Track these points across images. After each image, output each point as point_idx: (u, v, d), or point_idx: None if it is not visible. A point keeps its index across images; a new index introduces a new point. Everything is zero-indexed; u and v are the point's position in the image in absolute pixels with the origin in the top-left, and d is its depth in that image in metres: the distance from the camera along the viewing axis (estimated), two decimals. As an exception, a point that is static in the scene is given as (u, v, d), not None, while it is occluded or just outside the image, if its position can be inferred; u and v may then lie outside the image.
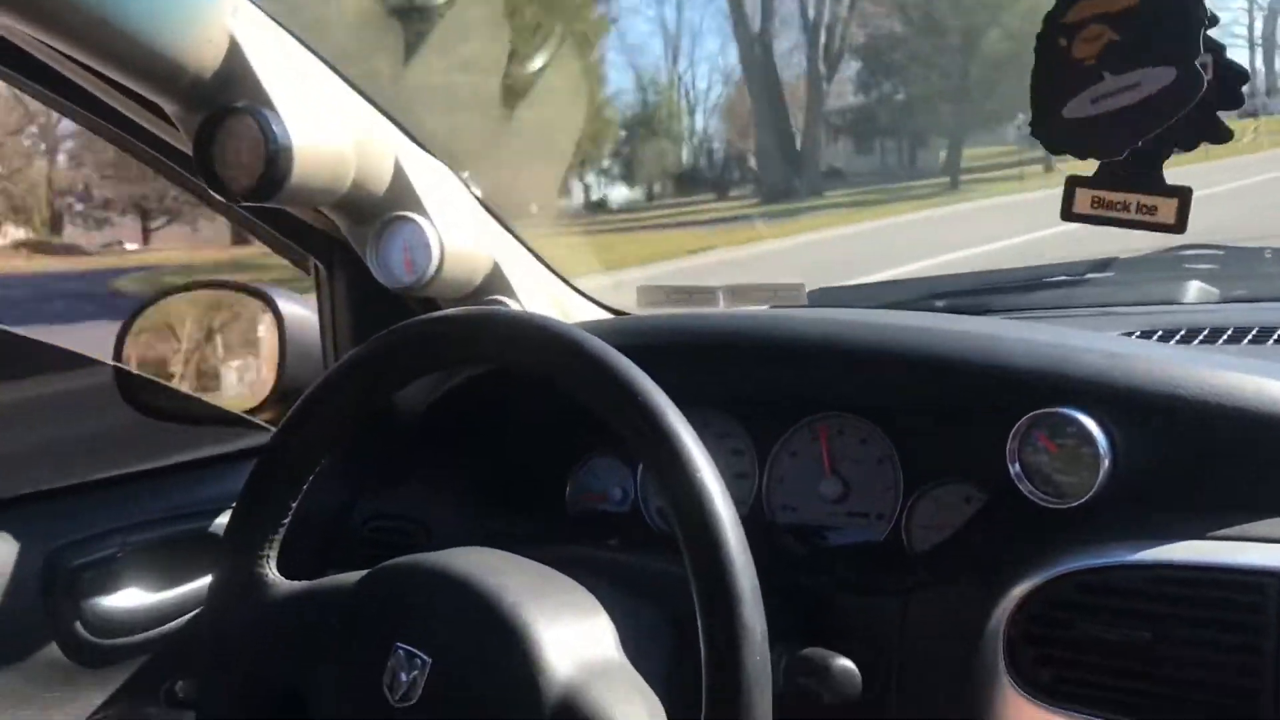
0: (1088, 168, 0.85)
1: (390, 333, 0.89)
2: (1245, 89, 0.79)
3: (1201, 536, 0.81)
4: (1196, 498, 0.85)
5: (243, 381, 1.52)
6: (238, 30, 0.97)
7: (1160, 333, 1.20)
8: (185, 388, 1.46)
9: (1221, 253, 1.47)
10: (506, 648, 0.76)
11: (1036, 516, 0.90)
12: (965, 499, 1.05)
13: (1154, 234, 0.84)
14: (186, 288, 1.54)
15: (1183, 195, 0.81)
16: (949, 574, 0.93)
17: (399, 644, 0.80)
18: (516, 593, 0.79)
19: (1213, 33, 0.77)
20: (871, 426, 1.11)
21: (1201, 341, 1.16)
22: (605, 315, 1.45)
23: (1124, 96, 0.78)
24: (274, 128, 0.96)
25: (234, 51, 0.97)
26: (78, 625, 1.13)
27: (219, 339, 1.55)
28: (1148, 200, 0.82)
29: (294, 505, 0.92)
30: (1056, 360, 0.92)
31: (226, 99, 0.97)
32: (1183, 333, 1.18)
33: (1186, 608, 0.79)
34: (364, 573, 0.87)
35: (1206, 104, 0.78)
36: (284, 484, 0.92)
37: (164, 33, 0.92)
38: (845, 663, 0.84)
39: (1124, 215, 0.84)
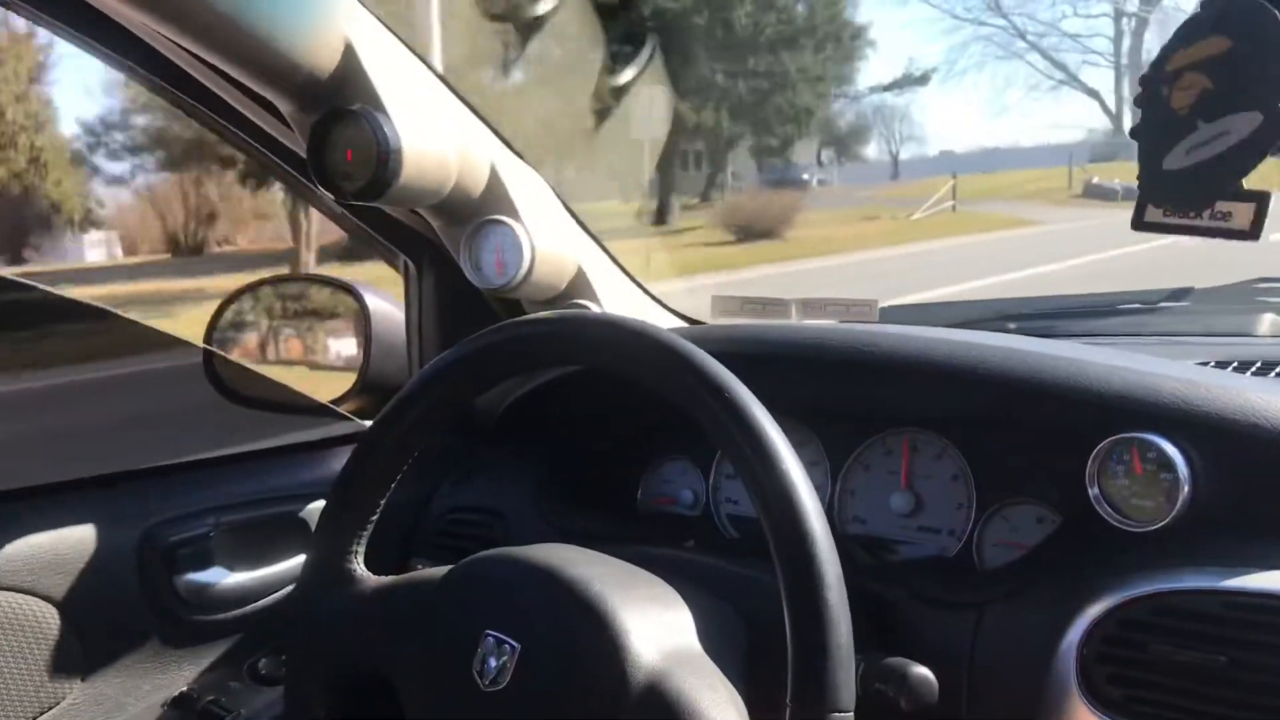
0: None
1: (489, 332, 0.92)
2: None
3: (1278, 565, 0.82)
4: (1273, 527, 0.87)
5: (329, 372, 1.56)
6: (353, 35, 1.01)
7: (1235, 364, 1.20)
8: (272, 375, 1.51)
9: (1300, 287, 1.47)
10: (593, 633, 0.79)
11: (1113, 539, 0.91)
12: (1037, 519, 1.06)
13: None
14: (277, 279, 1.59)
15: (1260, 200, 0.80)
16: (1023, 591, 0.94)
17: (488, 630, 0.83)
18: (602, 581, 0.82)
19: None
20: (946, 443, 1.13)
21: (1277, 375, 1.17)
22: (680, 323, 1.47)
23: (1216, 144, 0.79)
24: (385, 131, 1.00)
25: (349, 55, 1.01)
26: (170, 599, 1.18)
27: (307, 330, 1.60)
28: (1223, 206, 0.82)
29: (383, 500, 0.95)
30: (1139, 386, 0.94)
31: (341, 101, 1.01)
32: (1258, 365, 1.19)
33: (1260, 634, 0.80)
34: (449, 567, 0.91)
35: None
36: (375, 479, 0.95)
37: (284, 34, 0.96)
38: (923, 670, 0.86)
39: (1197, 222, 0.83)
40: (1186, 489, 0.88)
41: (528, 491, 1.29)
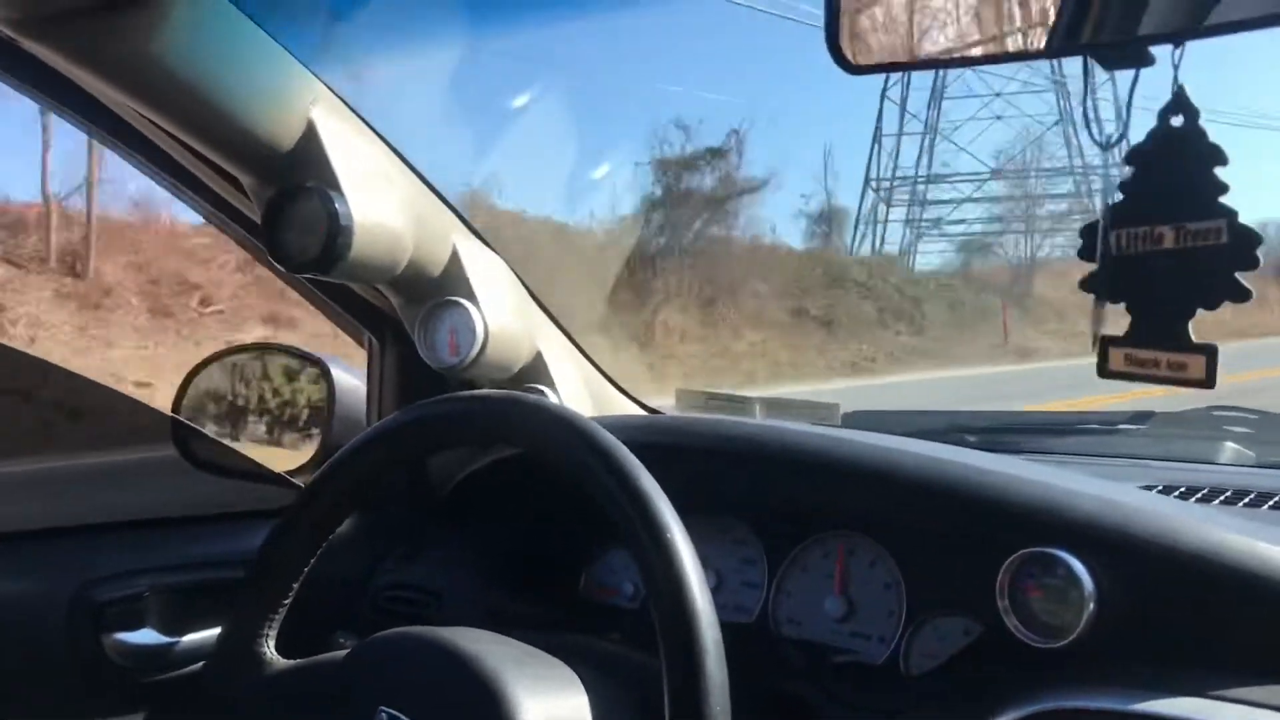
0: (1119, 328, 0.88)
1: (401, 413, 0.95)
2: (1260, 251, 0.82)
3: (1182, 692, 0.81)
4: (1181, 650, 0.86)
5: (290, 443, 1.57)
6: (316, 116, 1.05)
7: (1182, 489, 1.20)
8: (233, 443, 1.52)
9: (1258, 417, 1.47)
10: (484, 710, 0.79)
11: (1023, 653, 0.91)
12: (964, 631, 1.05)
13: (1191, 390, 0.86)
14: (248, 348, 1.61)
15: (1209, 352, 0.83)
16: (936, 701, 0.94)
17: (383, 707, 0.83)
18: (498, 660, 0.82)
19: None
20: (881, 550, 1.13)
21: (1222, 502, 1.16)
22: (639, 411, 1.49)
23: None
24: (338, 208, 1.03)
25: (310, 135, 1.05)
26: (98, 658, 1.18)
27: (274, 400, 1.61)
28: (1177, 358, 0.84)
29: (302, 576, 0.96)
30: (1050, 501, 0.94)
31: (298, 177, 1.05)
32: (1204, 491, 1.18)
33: None
34: (353, 647, 0.92)
35: (1224, 266, 0.81)
36: (291, 558, 0.97)
37: (249, 113, 1.01)
38: None
39: (1156, 372, 0.85)
40: (1092, 606, 0.87)
41: (468, 574, 1.29)
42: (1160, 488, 1.21)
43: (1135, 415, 1.54)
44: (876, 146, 25.12)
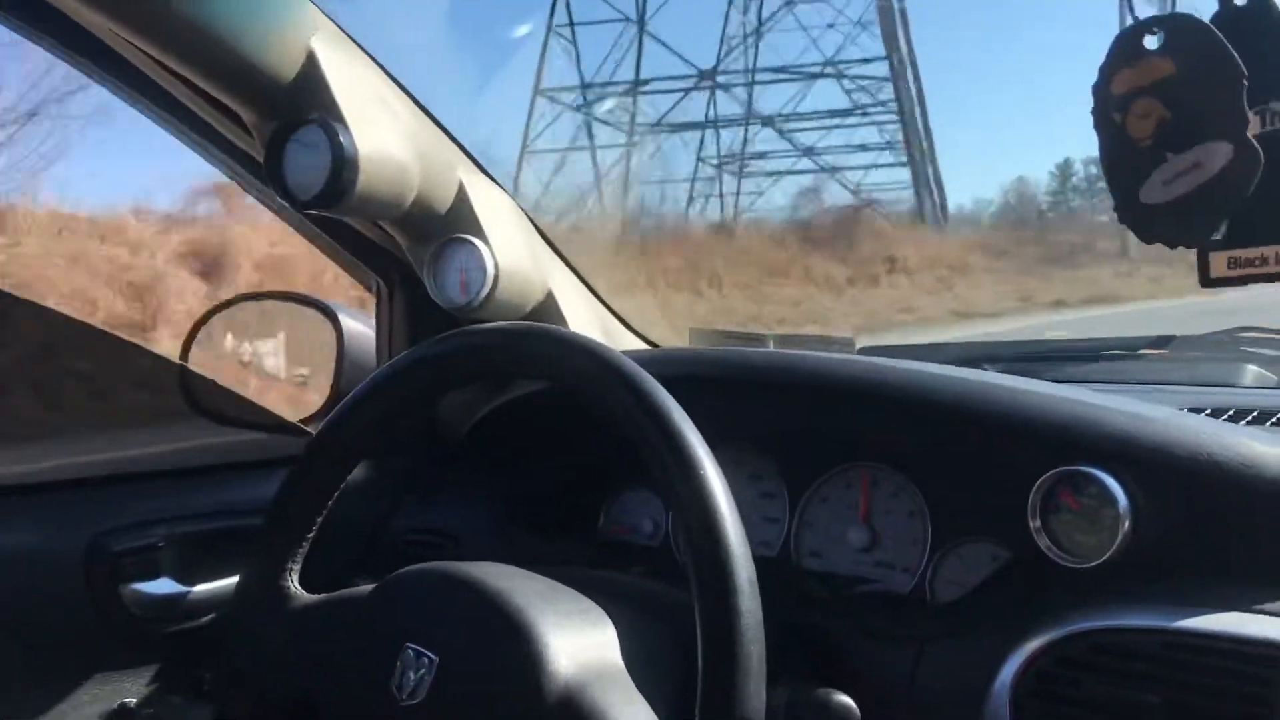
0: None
1: (424, 345, 0.92)
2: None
3: (1217, 606, 0.80)
4: (1216, 566, 0.84)
5: (302, 391, 1.56)
6: (316, 46, 1.02)
7: (1209, 410, 1.18)
8: (244, 393, 1.51)
9: (1280, 338, 1.45)
10: (511, 645, 0.77)
11: (1055, 575, 0.89)
12: (992, 557, 1.04)
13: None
14: (256, 297, 1.59)
15: None
16: (965, 627, 0.93)
17: (408, 644, 0.81)
18: (524, 595, 0.81)
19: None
20: (904, 479, 1.11)
21: (1249, 422, 1.14)
22: (647, 348, 1.47)
23: (1192, 177, 0.78)
24: (341, 139, 1.00)
25: (310, 66, 1.01)
26: (115, 609, 1.17)
27: (282, 348, 1.60)
28: None
29: (321, 517, 0.94)
30: (1081, 418, 0.92)
31: (300, 110, 1.02)
32: (1231, 412, 1.16)
33: (1196, 675, 0.78)
34: (378, 583, 0.90)
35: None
36: (310, 497, 0.94)
37: (247, 44, 0.97)
38: (845, 700, 0.84)
39: (1266, 269, 0.81)
40: (1127, 525, 0.86)
41: (486, 515, 1.28)
42: (1186, 410, 1.19)
43: (1157, 340, 1.51)
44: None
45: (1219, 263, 0.82)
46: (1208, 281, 0.83)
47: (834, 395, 1.10)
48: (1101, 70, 0.78)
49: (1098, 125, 0.82)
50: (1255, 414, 1.15)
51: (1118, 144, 0.81)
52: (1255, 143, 0.76)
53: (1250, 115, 0.76)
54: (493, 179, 1.26)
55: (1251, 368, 1.40)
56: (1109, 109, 0.80)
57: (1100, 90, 0.79)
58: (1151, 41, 0.76)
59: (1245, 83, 0.74)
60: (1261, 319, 1.49)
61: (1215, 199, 0.78)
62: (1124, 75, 0.78)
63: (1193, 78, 0.77)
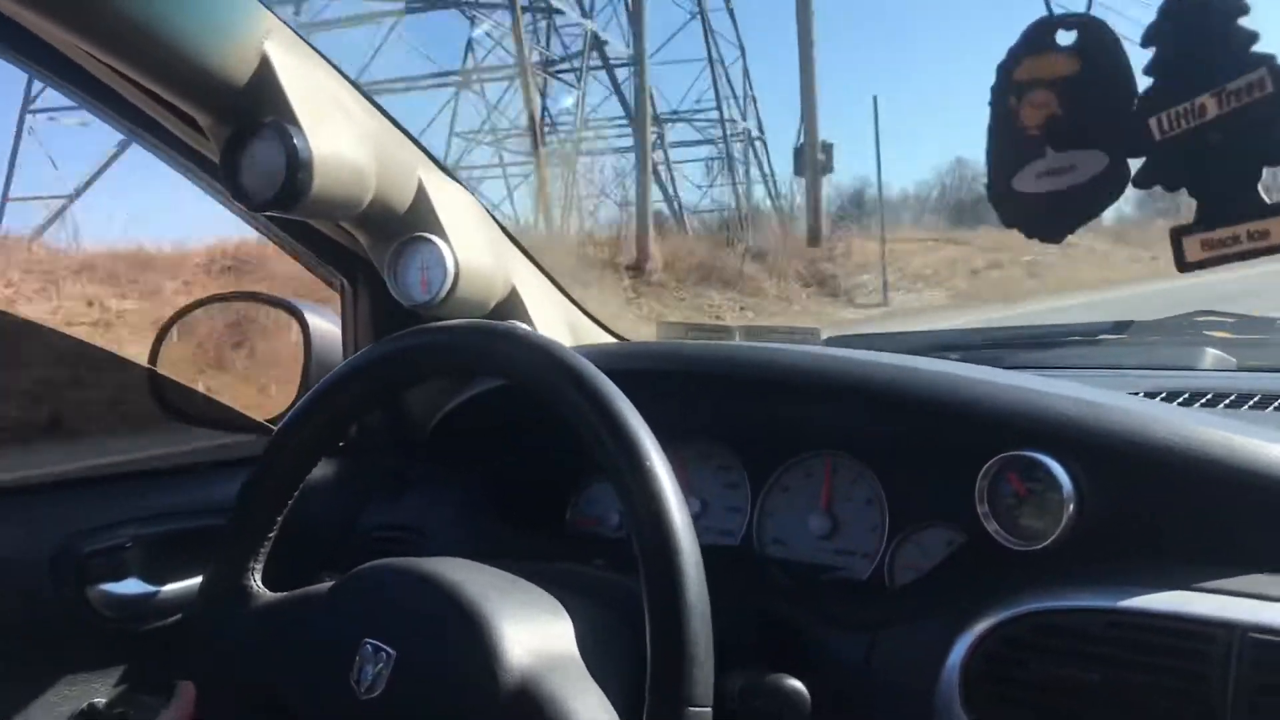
0: (1185, 216, 0.83)
1: (378, 344, 0.94)
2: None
3: (1160, 585, 0.82)
4: (1160, 547, 0.86)
5: (268, 390, 1.57)
6: (271, 50, 1.03)
7: (1164, 394, 1.20)
8: (212, 393, 1.51)
9: (1237, 321, 1.47)
10: (466, 638, 0.78)
11: (1004, 558, 0.91)
12: (947, 542, 1.06)
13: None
14: (223, 298, 1.60)
15: None
16: (918, 611, 0.94)
17: (367, 638, 0.82)
18: (479, 588, 0.82)
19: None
20: (862, 467, 1.13)
21: (1203, 405, 1.16)
22: (613, 341, 1.48)
23: (1064, 178, 0.79)
24: (296, 142, 1.01)
25: (265, 69, 1.02)
26: (83, 609, 1.17)
27: (248, 348, 1.60)
28: (1257, 226, 0.80)
29: (282, 515, 0.95)
30: (1025, 404, 0.94)
31: (255, 114, 1.02)
32: (1185, 396, 1.18)
33: (1139, 653, 0.79)
34: (336, 580, 0.91)
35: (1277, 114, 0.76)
36: (271, 495, 0.95)
37: (201, 48, 0.98)
38: (796, 685, 0.85)
39: (1239, 248, 0.81)
40: (1071, 508, 0.87)
41: (453, 510, 1.29)
42: (1141, 394, 1.21)
43: (1116, 325, 1.53)
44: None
45: (1193, 247, 0.83)
46: (1184, 266, 0.84)
47: (793, 387, 1.11)
48: (1010, 53, 0.79)
49: (993, 104, 0.83)
50: (1208, 396, 1.17)
51: (1006, 127, 0.82)
52: (1127, 163, 0.77)
53: (1207, 98, 0.77)
54: (453, 177, 1.27)
55: (1211, 351, 1.42)
56: (1007, 92, 0.82)
57: (1004, 71, 0.81)
58: (1064, 37, 0.77)
59: (1135, 102, 0.75)
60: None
61: (1079, 203, 0.80)
62: (1029, 63, 0.79)
63: (1091, 83, 0.78)
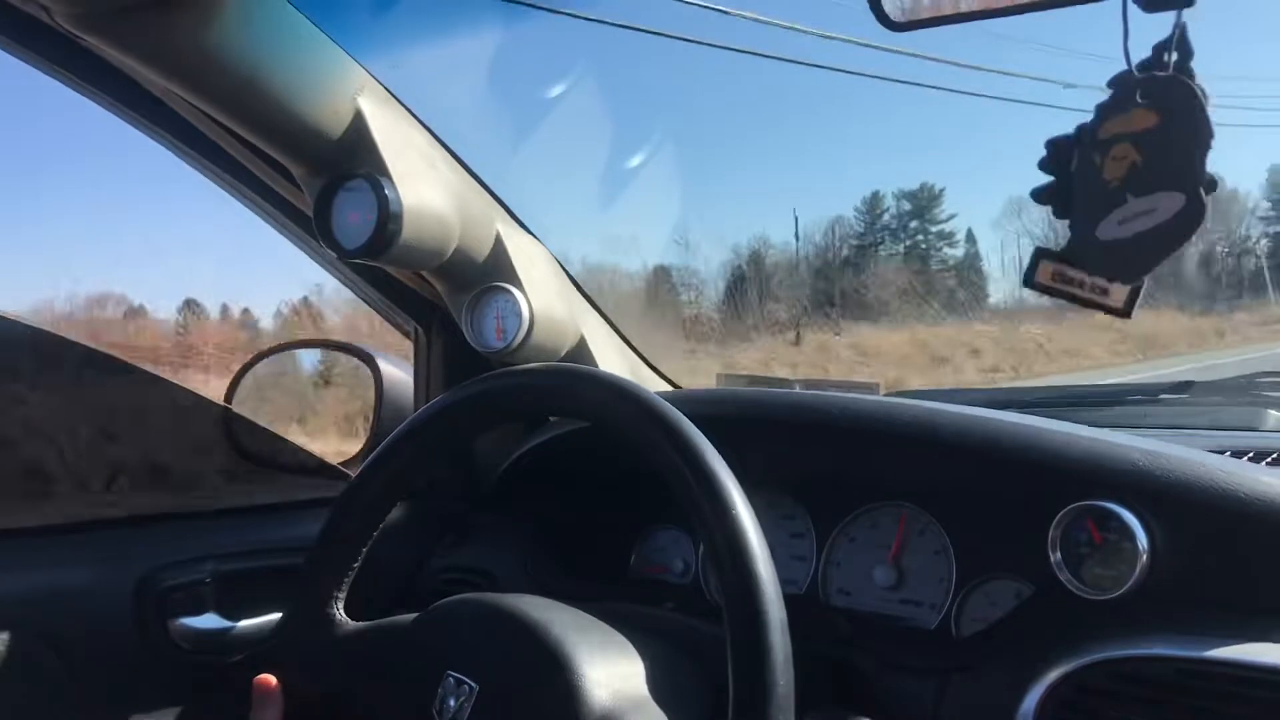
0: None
1: (466, 385, 0.96)
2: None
3: (1231, 635, 0.82)
4: (1231, 598, 0.87)
5: (341, 434, 1.60)
6: (364, 105, 1.08)
7: (1229, 452, 1.20)
8: (286, 435, 1.55)
9: (1302, 383, 1.47)
10: (548, 675, 0.80)
11: (1076, 607, 0.91)
12: (1015, 593, 1.06)
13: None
14: (298, 345, 1.65)
15: (1136, 284, 0.83)
16: (988, 658, 0.95)
17: (449, 671, 0.85)
18: (561, 627, 0.84)
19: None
20: (929, 518, 1.14)
21: (1270, 463, 1.16)
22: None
23: (1144, 220, 0.81)
24: (387, 194, 1.06)
25: (358, 123, 1.07)
26: (164, 643, 1.21)
27: (323, 393, 1.64)
28: (1102, 283, 0.83)
29: (365, 548, 0.98)
30: (1100, 454, 0.95)
31: (348, 166, 1.07)
32: (1251, 454, 1.19)
33: (1210, 700, 0.80)
34: (420, 613, 0.93)
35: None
36: (355, 530, 0.98)
37: (299, 104, 1.03)
38: None
39: (1078, 291, 0.84)
40: (1145, 558, 0.88)
41: (519, 555, 1.31)
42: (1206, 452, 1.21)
43: (1176, 385, 1.53)
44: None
45: (1045, 271, 0.85)
46: (1029, 282, 0.87)
47: (860, 436, 1.13)
48: (1096, 115, 0.82)
49: (1080, 166, 0.86)
50: (1275, 455, 1.18)
51: (1090, 183, 0.84)
52: (1204, 198, 0.80)
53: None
54: (528, 230, 1.31)
55: (1273, 413, 1.42)
56: (1092, 150, 0.84)
57: (1089, 133, 0.83)
58: (1138, 91, 0.80)
59: (1212, 144, 0.78)
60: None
61: (1162, 242, 0.82)
62: (1112, 122, 0.82)
63: (1170, 131, 0.81)
